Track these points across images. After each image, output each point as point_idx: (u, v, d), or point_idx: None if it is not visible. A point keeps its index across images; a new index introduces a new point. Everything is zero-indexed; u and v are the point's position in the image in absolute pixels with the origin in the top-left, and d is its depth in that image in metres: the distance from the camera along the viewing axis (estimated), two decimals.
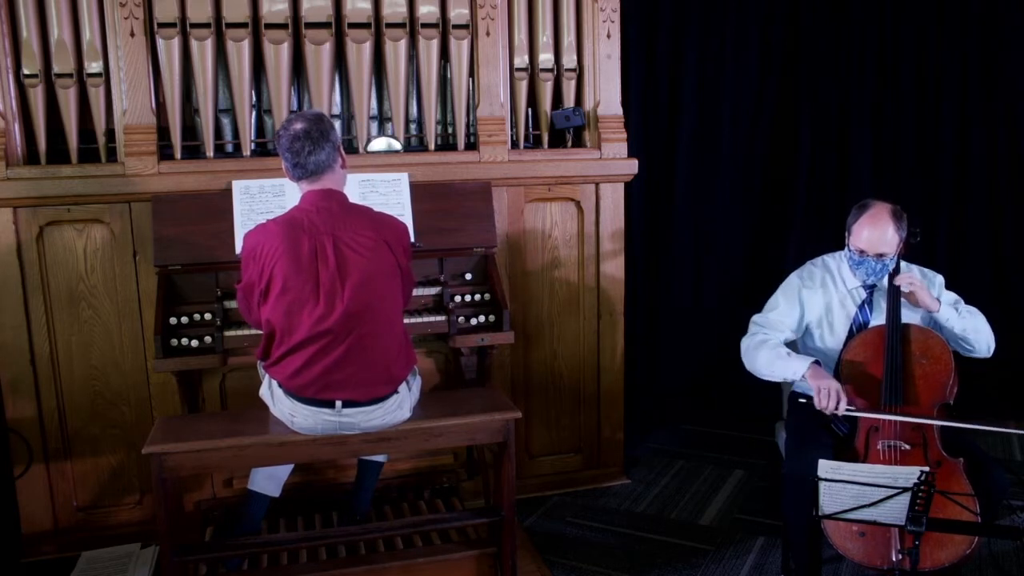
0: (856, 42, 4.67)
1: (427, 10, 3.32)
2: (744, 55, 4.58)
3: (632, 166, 3.61)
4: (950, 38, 4.67)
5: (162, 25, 3.08)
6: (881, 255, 2.72)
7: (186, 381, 3.02)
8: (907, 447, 2.58)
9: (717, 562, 3.16)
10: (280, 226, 2.51)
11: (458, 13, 3.34)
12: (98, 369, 3.16)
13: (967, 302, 2.88)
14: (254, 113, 3.32)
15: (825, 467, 2.22)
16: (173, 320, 2.90)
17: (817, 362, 2.72)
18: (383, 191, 3.18)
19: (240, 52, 3.15)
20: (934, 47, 4.69)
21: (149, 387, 3.20)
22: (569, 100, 3.58)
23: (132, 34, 3.05)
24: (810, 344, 2.93)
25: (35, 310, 3.07)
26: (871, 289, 2.85)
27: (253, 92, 3.26)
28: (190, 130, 3.27)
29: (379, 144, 3.36)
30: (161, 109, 3.18)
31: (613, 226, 3.63)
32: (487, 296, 3.21)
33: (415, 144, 3.51)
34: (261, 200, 3.07)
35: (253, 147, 3.30)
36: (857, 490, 2.20)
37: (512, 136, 3.56)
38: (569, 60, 3.54)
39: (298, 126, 2.51)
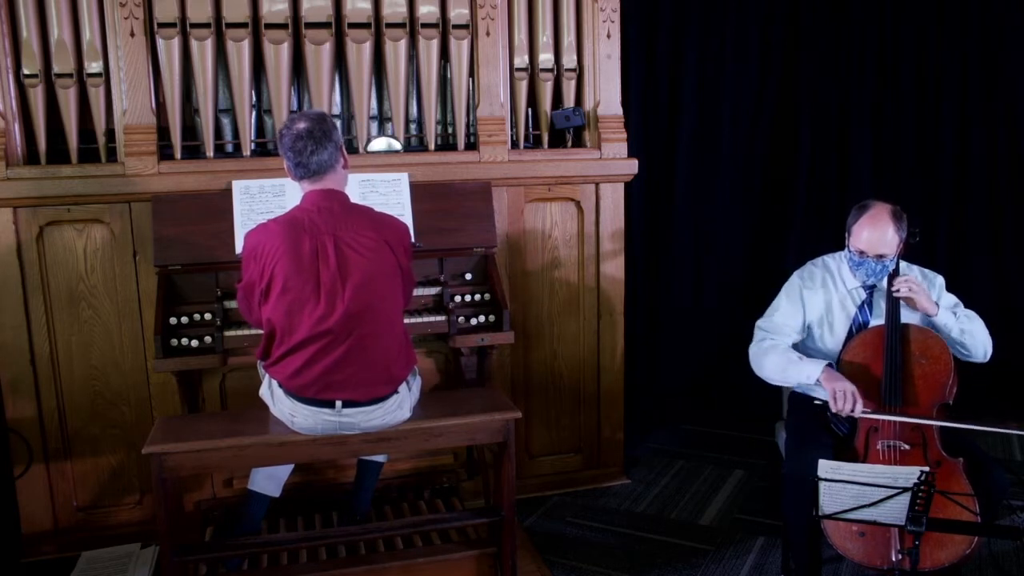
0: (856, 42, 4.66)
1: (427, 10, 3.32)
2: (744, 55, 4.58)
3: (632, 166, 3.61)
4: (950, 38, 4.67)
5: (162, 25, 3.08)
6: (881, 256, 2.72)
7: (186, 381, 3.02)
8: (907, 447, 2.58)
9: (717, 562, 3.16)
10: (281, 226, 2.51)
11: (458, 13, 3.34)
12: (98, 369, 3.16)
13: (967, 302, 2.87)
14: (254, 113, 3.32)
15: (825, 467, 2.22)
16: (173, 320, 2.90)
17: (830, 364, 2.72)
18: (383, 191, 3.18)
19: (240, 52, 3.15)
20: (934, 47, 4.68)
21: (149, 387, 3.20)
22: (569, 100, 3.58)
23: (132, 34, 3.05)
24: (810, 344, 2.92)
25: (35, 310, 3.07)
26: (871, 290, 2.85)
27: (253, 92, 3.26)
28: (190, 130, 3.27)
29: (379, 144, 3.36)
30: (161, 109, 3.18)
31: (613, 226, 3.63)
32: (487, 296, 3.21)
33: (415, 144, 3.51)
34: (261, 200, 3.07)
35: (253, 147, 3.30)
36: (857, 490, 2.20)
37: (512, 136, 3.56)
38: (569, 60, 3.54)
39: (301, 125, 2.51)
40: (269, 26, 3.17)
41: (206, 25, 3.12)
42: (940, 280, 2.89)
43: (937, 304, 2.75)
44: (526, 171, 3.46)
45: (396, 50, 3.30)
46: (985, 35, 4.68)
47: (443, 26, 3.35)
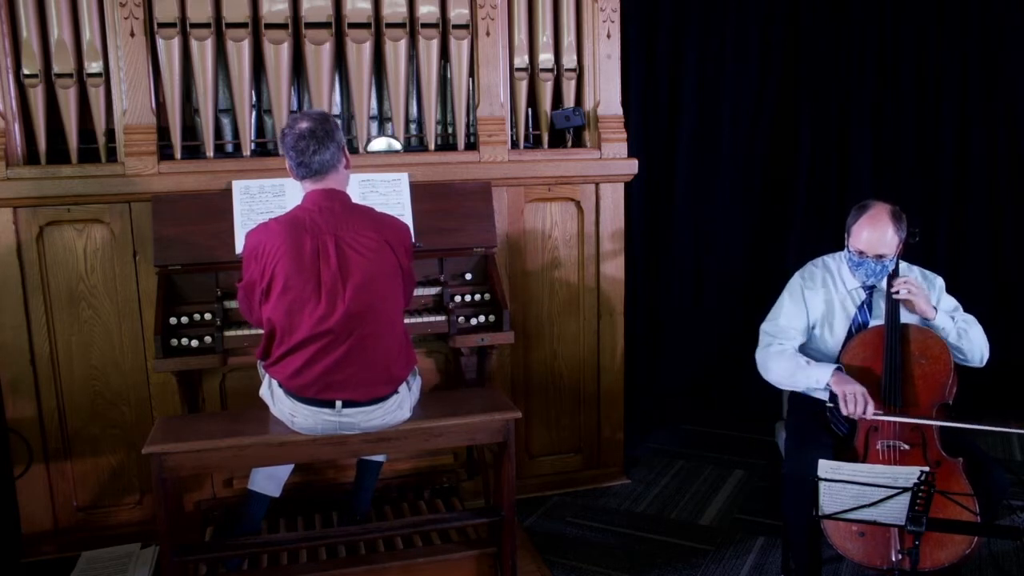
0: (856, 42, 4.66)
1: (427, 10, 3.32)
2: (744, 55, 4.58)
3: (632, 166, 3.61)
4: (950, 38, 4.66)
5: (162, 25, 3.08)
6: (880, 256, 2.72)
7: (186, 381, 3.02)
8: (906, 447, 2.58)
9: (717, 562, 3.16)
10: (282, 225, 2.51)
11: (458, 13, 3.34)
12: (98, 369, 3.16)
13: (967, 303, 2.87)
14: (254, 113, 3.32)
15: (825, 467, 2.22)
16: (173, 320, 2.90)
17: (839, 368, 2.71)
18: (383, 191, 3.18)
19: (240, 52, 3.15)
20: (934, 47, 4.68)
21: (149, 387, 3.20)
22: (569, 100, 3.58)
23: (132, 34, 3.05)
24: (810, 345, 2.92)
25: (35, 310, 3.07)
26: (870, 290, 2.85)
27: (253, 92, 3.26)
28: (190, 130, 3.27)
29: (379, 144, 3.36)
30: (161, 109, 3.18)
31: (613, 226, 3.63)
32: (487, 296, 3.21)
33: (415, 144, 3.51)
34: (261, 200, 3.07)
35: (253, 147, 3.30)
36: (857, 490, 2.20)
37: (512, 136, 3.56)
38: (569, 60, 3.54)
39: (303, 125, 2.51)
40: (269, 26, 3.17)
41: (206, 25, 3.12)
42: (940, 282, 2.89)
43: (936, 308, 2.75)
44: (526, 171, 3.46)
45: (396, 50, 3.30)
46: (985, 35, 4.68)
47: (443, 26, 3.35)
